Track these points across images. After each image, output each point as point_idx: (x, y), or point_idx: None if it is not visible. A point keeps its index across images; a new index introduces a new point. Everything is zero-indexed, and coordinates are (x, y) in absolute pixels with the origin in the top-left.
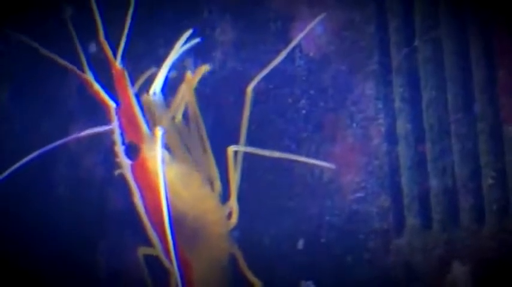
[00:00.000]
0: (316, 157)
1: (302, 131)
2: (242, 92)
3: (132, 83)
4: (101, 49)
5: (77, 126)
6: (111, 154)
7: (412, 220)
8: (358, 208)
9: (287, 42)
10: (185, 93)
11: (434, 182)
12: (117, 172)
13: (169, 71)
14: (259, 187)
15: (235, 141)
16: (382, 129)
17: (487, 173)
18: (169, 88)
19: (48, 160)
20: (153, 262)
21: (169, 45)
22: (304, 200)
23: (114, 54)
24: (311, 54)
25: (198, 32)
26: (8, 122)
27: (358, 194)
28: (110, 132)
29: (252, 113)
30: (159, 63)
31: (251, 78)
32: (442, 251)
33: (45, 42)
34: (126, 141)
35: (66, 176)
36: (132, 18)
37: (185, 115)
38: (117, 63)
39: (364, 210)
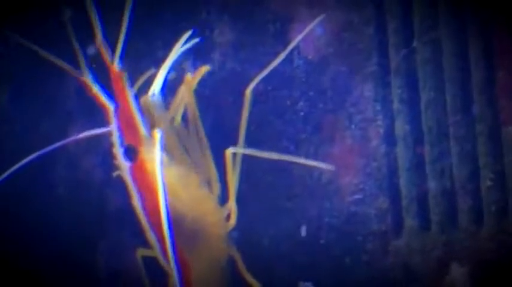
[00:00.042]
0: (314, 158)
1: (301, 132)
2: (241, 93)
3: (131, 85)
4: (99, 51)
5: (76, 127)
6: (109, 155)
7: (410, 222)
8: (357, 210)
9: (286, 44)
10: (184, 95)
11: (432, 184)
12: (115, 174)
13: (168, 72)
14: (258, 188)
15: (234, 143)
16: (381, 130)
17: (485, 174)
18: (168, 89)
19: (48, 161)
20: (152, 263)
21: (168, 47)
22: (302, 201)
23: (114, 56)
24: (310, 55)
25: (197, 33)
26: (7, 122)
27: (357, 196)
28: (109, 134)
29: (250, 114)
30: (158, 65)
31: (250, 80)
32: (440, 252)
33: (44, 44)
34: (125, 143)
35: (65, 177)
36: (131, 20)
37: (184, 117)
38: (115, 66)
39: (362, 211)
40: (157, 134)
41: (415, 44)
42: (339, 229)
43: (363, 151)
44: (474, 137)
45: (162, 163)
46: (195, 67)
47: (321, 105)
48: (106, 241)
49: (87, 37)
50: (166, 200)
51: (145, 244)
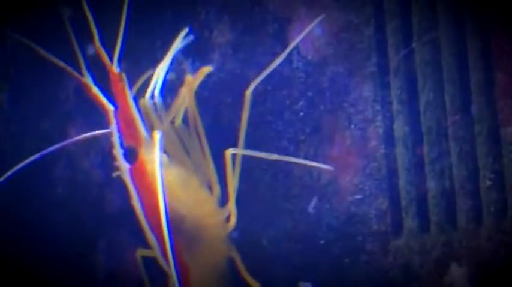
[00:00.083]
0: (314, 159)
1: (300, 133)
2: (240, 94)
3: (131, 86)
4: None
5: (75, 127)
6: (109, 155)
7: (410, 222)
8: (356, 210)
9: (285, 44)
10: (186, 96)
11: (432, 184)
12: (115, 174)
13: (167, 73)
14: (258, 188)
15: (234, 144)
16: (380, 131)
17: (484, 175)
18: (167, 90)
19: (48, 161)
20: (152, 264)
21: (167, 48)
22: (302, 201)
23: (113, 58)
24: (309, 56)
25: (196, 34)
26: (7, 122)
27: (356, 196)
28: (109, 135)
29: (250, 114)
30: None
31: (249, 80)
32: (440, 252)
33: (44, 45)
34: (125, 144)
35: (65, 178)
36: (130, 21)
37: (184, 118)
38: (114, 67)
39: (362, 212)
40: (157, 135)
41: (414, 44)
42: (339, 229)
43: (363, 152)
44: (473, 138)
45: (161, 164)
46: (195, 68)
47: (321, 106)
48: (105, 241)
49: (87, 37)
50: (165, 201)
51: (145, 244)
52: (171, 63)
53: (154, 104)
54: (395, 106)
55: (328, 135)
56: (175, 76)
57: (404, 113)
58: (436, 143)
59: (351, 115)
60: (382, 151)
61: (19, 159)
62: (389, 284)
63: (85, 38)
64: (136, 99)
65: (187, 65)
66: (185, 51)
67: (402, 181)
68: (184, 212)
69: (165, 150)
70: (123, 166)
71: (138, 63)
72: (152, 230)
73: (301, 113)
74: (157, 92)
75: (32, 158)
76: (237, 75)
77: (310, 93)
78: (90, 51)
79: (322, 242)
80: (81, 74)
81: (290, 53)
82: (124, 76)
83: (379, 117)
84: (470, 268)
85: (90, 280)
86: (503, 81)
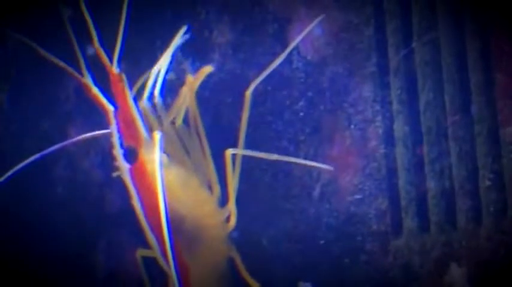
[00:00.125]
0: (314, 159)
1: (300, 133)
2: (240, 94)
3: (131, 86)
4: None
5: (75, 127)
6: (109, 156)
7: (409, 222)
8: (356, 210)
9: (285, 44)
10: (186, 97)
11: (431, 184)
12: (115, 174)
13: (167, 73)
14: (258, 188)
15: (234, 144)
16: (380, 131)
17: (484, 174)
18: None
19: (48, 161)
20: (152, 264)
21: (167, 48)
22: (302, 201)
23: (112, 59)
24: (309, 56)
25: (196, 34)
26: (7, 123)
27: (356, 196)
28: (109, 136)
29: (250, 115)
30: None
31: (249, 80)
32: (439, 252)
33: (44, 44)
34: (125, 144)
35: (65, 178)
36: (130, 21)
37: (184, 118)
38: (114, 68)
39: (362, 212)
40: (157, 135)
41: (414, 44)
42: (339, 229)
43: (362, 152)
44: (473, 138)
45: (162, 164)
46: (195, 68)
47: (320, 106)
48: (105, 241)
49: (87, 38)
50: (165, 201)
51: (145, 244)
52: (171, 63)
53: (155, 104)
54: (395, 106)
55: (328, 136)
56: (175, 76)
57: (404, 113)
58: (435, 143)
59: (350, 115)
60: (381, 151)
61: (19, 159)
62: (389, 284)
63: (85, 38)
64: (136, 99)
65: (187, 65)
66: (185, 52)
67: (402, 181)
68: (184, 212)
69: (165, 150)
70: (123, 166)
71: (138, 64)
72: (152, 230)
73: (301, 113)
74: (157, 92)
75: (32, 158)
76: (237, 75)
77: (310, 94)
78: (90, 51)
79: (322, 242)
80: (81, 74)
81: (290, 53)
82: (124, 76)
83: (379, 118)
84: (470, 268)
85: (90, 280)
86: (503, 81)
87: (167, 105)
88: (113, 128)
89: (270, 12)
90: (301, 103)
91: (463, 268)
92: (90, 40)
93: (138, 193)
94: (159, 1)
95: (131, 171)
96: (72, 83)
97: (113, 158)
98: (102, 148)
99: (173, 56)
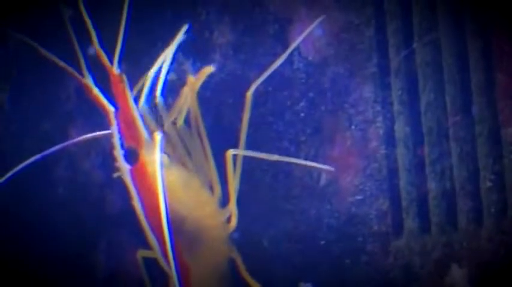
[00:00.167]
0: (315, 160)
1: (301, 133)
2: (241, 94)
3: (131, 87)
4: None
5: (76, 127)
6: (110, 156)
7: (410, 223)
8: (357, 211)
9: (285, 45)
10: (187, 97)
11: (432, 185)
12: (115, 175)
13: (168, 73)
14: (259, 189)
15: (235, 144)
16: (381, 132)
17: (485, 175)
18: (167, 91)
19: (48, 162)
20: (152, 265)
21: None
22: (302, 202)
23: (113, 59)
24: (310, 57)
25: (197, 34)
26: (7, 123)
27: (357, 197)
28: (110, 136)
29: (250, 115)
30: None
31: (250, 81)
32: (440, 253)
33: (44, 45)
34: (125, 145)
35: (66, 178)
36: (131, 22)
37: (186, 119)
38: (114, 69)
39: (362, 213)
40: (158, 136)
41: (414, 45)
42: (339, 230)
43: (363, 152)
44: (474, 138)
45: (162, 165)
46: (195, 68)
47: (321, 107)
48: (106, 242)
49: (88, 38)
50: (166, 202)
51: (146, 245)
52: (172, 63)
53: (156, 105)
54: (396, 107)
55: (329, 136)
56: (176, 77)
57: (405, 114)
58: (436, 143)
59: (351, 116)
60: (382, 151)
61: (20, 159)
62: (390, 285)
63: (86, 38)
64: (136, 100)
65: (188, 65)
66: (186, 52)
67: (403, 182)
68: (185, 213)
69: (166, 151)
70: (124, 166)
71: (138, 64)
72: (153, 231)
73: (302, 114)
74: (158, 93)
75: (33, 159)
76: (237, 76)
77: (311, 94)
78: (91, 51)
79: (322, 242)
80: (82, 74)
81: (291, 54)
82: (124, 77)
83: (380, 118)
84: (471, 269)
85: (91, 281)
86: (504, 82)
87: (168, 106)
88: (114, 129)
89: (271, 12)
90: (302, 104)
91: (463, 269)
92: (90, 40)
93: (138, 194)
94: (160, 2)
95: (132, 172)
96: (73, 84)
97: (113, 159)
98: (103, 148)
99: (174, 56)
